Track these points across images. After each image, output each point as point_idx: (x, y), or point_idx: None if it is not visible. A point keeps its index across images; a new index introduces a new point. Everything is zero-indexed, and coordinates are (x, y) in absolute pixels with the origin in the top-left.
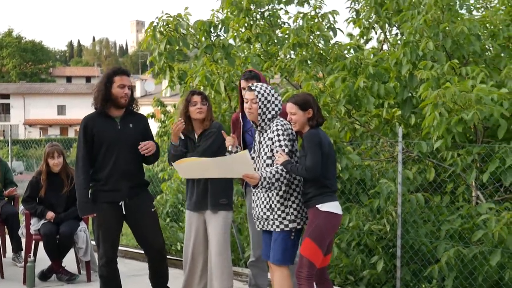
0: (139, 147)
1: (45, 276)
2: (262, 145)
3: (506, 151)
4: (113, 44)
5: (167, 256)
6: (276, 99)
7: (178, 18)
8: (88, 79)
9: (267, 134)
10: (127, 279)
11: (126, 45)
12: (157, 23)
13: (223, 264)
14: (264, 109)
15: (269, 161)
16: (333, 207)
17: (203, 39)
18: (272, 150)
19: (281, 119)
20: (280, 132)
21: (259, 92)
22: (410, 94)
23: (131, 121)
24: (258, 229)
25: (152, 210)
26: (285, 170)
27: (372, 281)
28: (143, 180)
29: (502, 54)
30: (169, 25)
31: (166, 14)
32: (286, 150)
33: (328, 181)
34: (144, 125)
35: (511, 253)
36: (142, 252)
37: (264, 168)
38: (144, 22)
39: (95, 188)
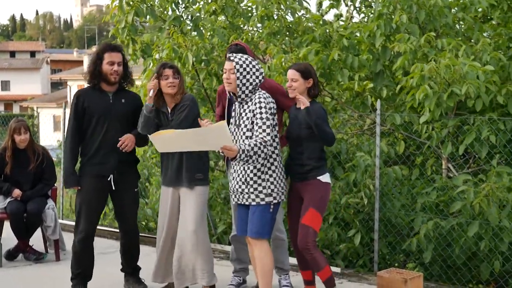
0: (118, 144)
1: (12, 255)
2: (242, 117)
3: (482, 123)
4: (57, 18)
5: None
6: (257, 70)
7: None
8: (32, 53)
9: (248, 106)
10: (96, 256)
11: (71, 19)
12: None
13: (201, 242)
14: (244, 80)
15: (248, 133)
16: (329, 178)
17: (170, 11)
18: (252, 122)
19: (263, 91)
20: (263, 105)
21: (237, 63)
22: (382, 67)
23: (123, 96)
24: (233, 202)
25: (136, 190)
26: (264, 144)
27: (348, 255)
28: (133, 156)
29: (474, 26)
30: None
31: None
32: (268, 123)
33: (323, 153)
34: (137, 103)
35: (489, 224)
36: (110, 229)
37: (243, 140)
38: None
39: (84, 161)
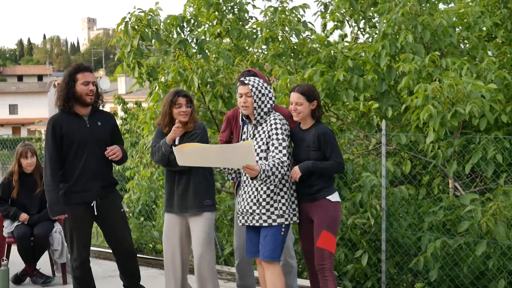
0: (105, 152)
1: (19, 279)
2: (256, 138)
3: (487, 142)
4: (65, 42)
5: (141, 255)
6: (269, 92)
7: (150, 13)
8: (40, 77)
9: (262, 127)
10: (102, 280)
11: (78, 42)
12: (129, 19)
13: (207, 265)
14: (259, 103)
15: (262, 154)
16: (338, 197)
17: (175, 34)
18: (267, 143)
19: (277, 113)
20: (278, 126)
21: (253, 86)
22: (388, 87)
23: (99, 119)
24: (240, 224)
25: (121, 210)
26: (281, 165)
27: (356, 276)
28: (113, 180)
29: (478, 45)
30: (141, 21)
31: (139, 9)
32: (284, 144)
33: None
34: (113, 123)
35: (497, 243)
36: None
37: (257, 162)
38: (95, 19)
39: (65, 189)
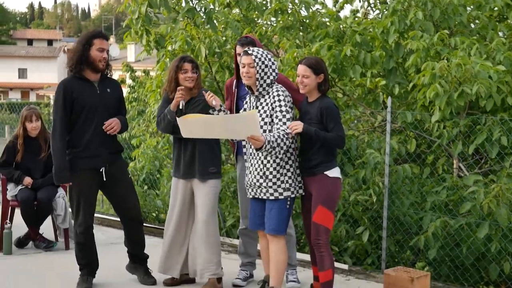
0: (103, 127)
1: (22, 243)
2: (260, 111)
3: (493, 123)
4: (75, 7)
5: (144, 224)
6: (273, 63)
7: None
8: (50, 42)
9: (265, 99)
10: (105, 246)
11: (89, 8)
12: None
13: (210, 233)
14: (262, 74)
15: (265, 127)
16: (338, 172)
17: (184, 2)
18: (270, 116)
19: (280, 85)
20: (281, 98)
21: (256, 56)
22: (395, 64)
23: (108, 85)
24: (250, 196)
25: (129, 177)
26: (286, 136)
27: (356, 252)
28: (119, 146)
29: (488, 25)
30: None
31: None
32: (288, 116)
33: (334, 149)
34: (120, 91)
35: (499, 225)
36: (118, 219)
37: (261, 134)
38: None
39: (73, 154)
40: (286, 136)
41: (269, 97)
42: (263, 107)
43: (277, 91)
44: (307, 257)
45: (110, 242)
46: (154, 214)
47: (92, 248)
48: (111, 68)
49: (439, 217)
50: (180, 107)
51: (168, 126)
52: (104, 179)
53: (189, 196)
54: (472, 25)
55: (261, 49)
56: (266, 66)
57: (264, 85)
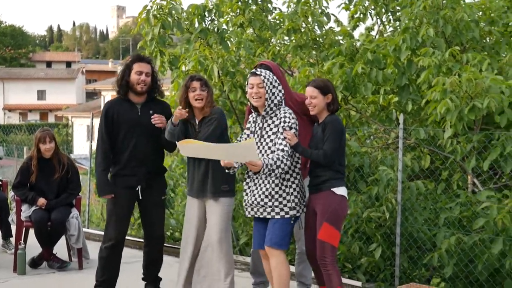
0: (152, 117)
1: (36, 263)
2: (267, 132)
3: (506, 139)
4: (94, 29)
5: None
6: (279, 85)
7: (172, 1)
8: (68, 64)
9: (273, 121)
10: None
11: (107, 30)
12: (151, 7)
13: (224, 252)
14: (270, 94)
15: (273, 148)
16: (345, 191)
17: (197, 23)
18: (278, 137)
19: (287, 108)
20: (287, 120)
21: (264, 77)
22: (408, 81)
23: (151, 107)
24: (249, 215)
25: (163, 197)
26: (286, 156)
27: (369, 269)
28: (161, 166)
29: (501, 41)
30: (163, 9)
31: None
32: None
33: (341, 167)
34: (166, 112)
35: None
36: (133, 239)
37: (267, 155)
38: (125, 7)
39: (114, 172)
40: (285, 156)
41: (277, 119)
42: (271, 128)
43: (285, 113)
44: None
45: (123, 261)
46: (168, 233)
47: (114, 266)
48: (159, 89)
49: (453, 233)
50: (176, 121)
51: (171, 136)
52: (140, 198)
53: (203, 215)
54: (485, 41)
55: (268, 71)
56: (274, 86)
57: (272, 105)
